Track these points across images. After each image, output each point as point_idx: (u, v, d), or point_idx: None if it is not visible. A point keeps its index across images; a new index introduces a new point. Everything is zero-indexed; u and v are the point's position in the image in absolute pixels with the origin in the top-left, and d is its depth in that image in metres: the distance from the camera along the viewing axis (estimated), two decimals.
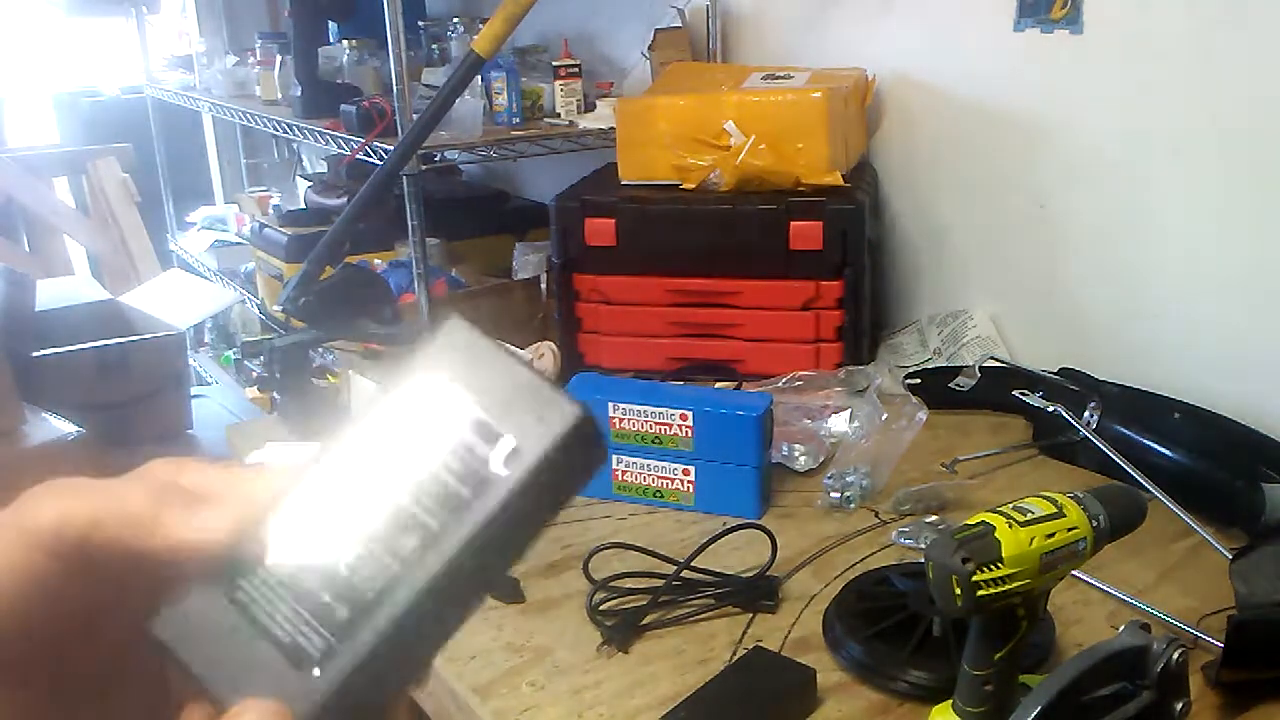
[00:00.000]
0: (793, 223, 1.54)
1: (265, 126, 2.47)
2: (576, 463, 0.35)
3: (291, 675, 0.33)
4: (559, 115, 2.09)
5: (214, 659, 0.34)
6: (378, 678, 0.33)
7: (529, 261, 2.26)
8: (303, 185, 2.90)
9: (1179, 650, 0.77)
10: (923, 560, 0.75)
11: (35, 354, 2.25)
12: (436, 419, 0.35)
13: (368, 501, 0.34)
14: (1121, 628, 0.79)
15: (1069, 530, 0.74)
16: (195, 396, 2.66)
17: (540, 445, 0.34)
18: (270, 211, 2.86)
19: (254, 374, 3.15)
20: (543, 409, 0.34)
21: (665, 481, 1.24)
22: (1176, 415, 1.31)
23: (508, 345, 0.36)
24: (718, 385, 1.53)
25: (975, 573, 0.71)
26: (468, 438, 0.34)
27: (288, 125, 2.31)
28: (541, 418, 0.34)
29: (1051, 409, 1.35)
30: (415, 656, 0.35)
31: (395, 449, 0.35)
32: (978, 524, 0.74)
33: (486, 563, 0.34)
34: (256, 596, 0.34)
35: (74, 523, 0.33)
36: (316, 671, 0.33)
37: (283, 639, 0.33)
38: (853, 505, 1.23)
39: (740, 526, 1.11)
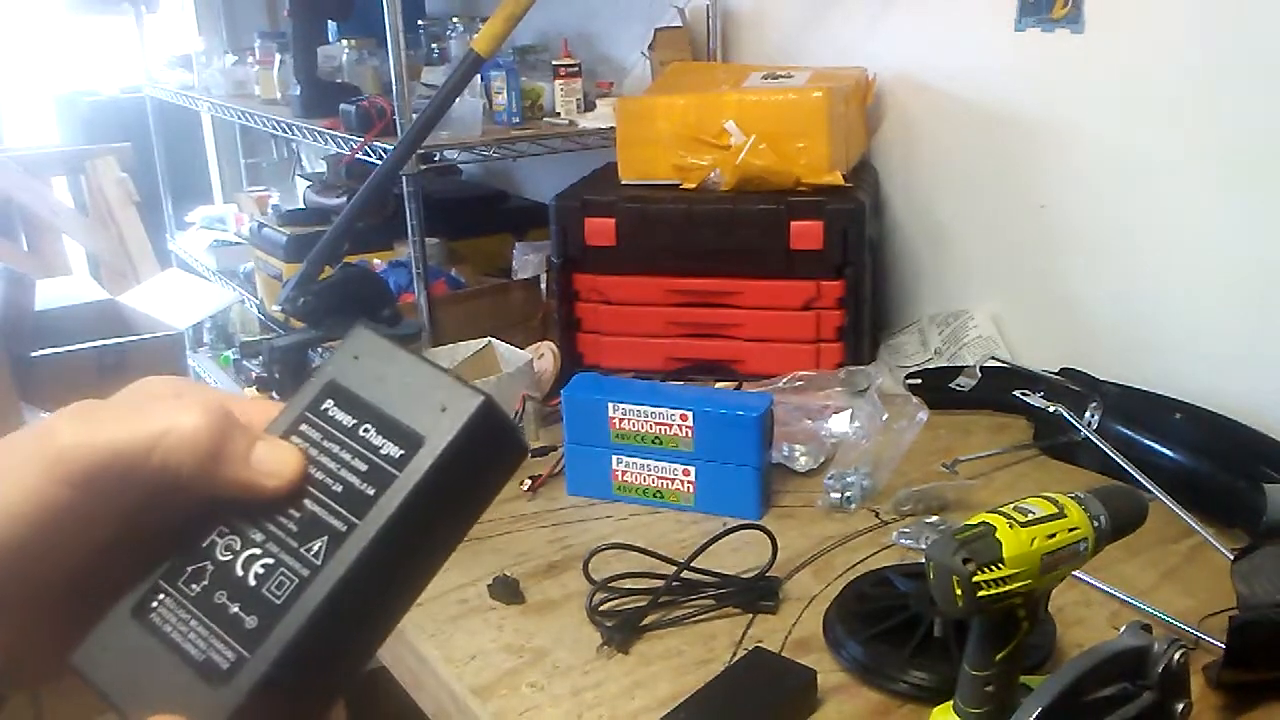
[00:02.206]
0: (793, 222, 1.54)
1: (264, 126, 2.47)
2: (487, 452, 0.35)
3: (202, 690, 0.33)
4: (559, 115, 2.08)
5: (129, 682, 0.34)
6: (292, 686, 0.33)
7: (529, 261, 2.25)
8: (302, 185, 2.90)
9: (1180, 651, 0.77)
10: (923, 561, 0.74)
11: (34, 354, 2.24)
12: (340, 422, 0.35)
13: (278, 511, 0.35)
14: (1122, 628, 0.79)
15: (1070, 531, 0.74)
16: None
17: (443, 436, 0.34)
18: (269, 211, 2.85)
19: (253, 374, 3.15)
20: (445, 401, 0.34)
21: (665, 482, 1.24)
22: (1178, 415, 1.30)
23: (413, 348, 0.36)
24: (718, 385, 1.53)
25: (976, 573, 0.71)
26: (371, 437, 0.35)
27: (287, 125, 2.30)
28: (445, 409, 0.34)
29: (1052, 409, 1.35)
30: (334, 663, 0.35)
31: (305, 456, 0.35)
32: (979, 524, 0.73)
33: (401, 560, 0.34)
34: (169, 616, 0.34)
35: (99, 450, 0.32)
36: (224, 684, 0.33)
37: (195, 655, 0.33)
38: (853, 506, 1.23)
39: (740, 527, 1.11)
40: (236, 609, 0.33)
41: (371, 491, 0.34)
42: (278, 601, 0.33)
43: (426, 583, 0.36)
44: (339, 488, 0.34)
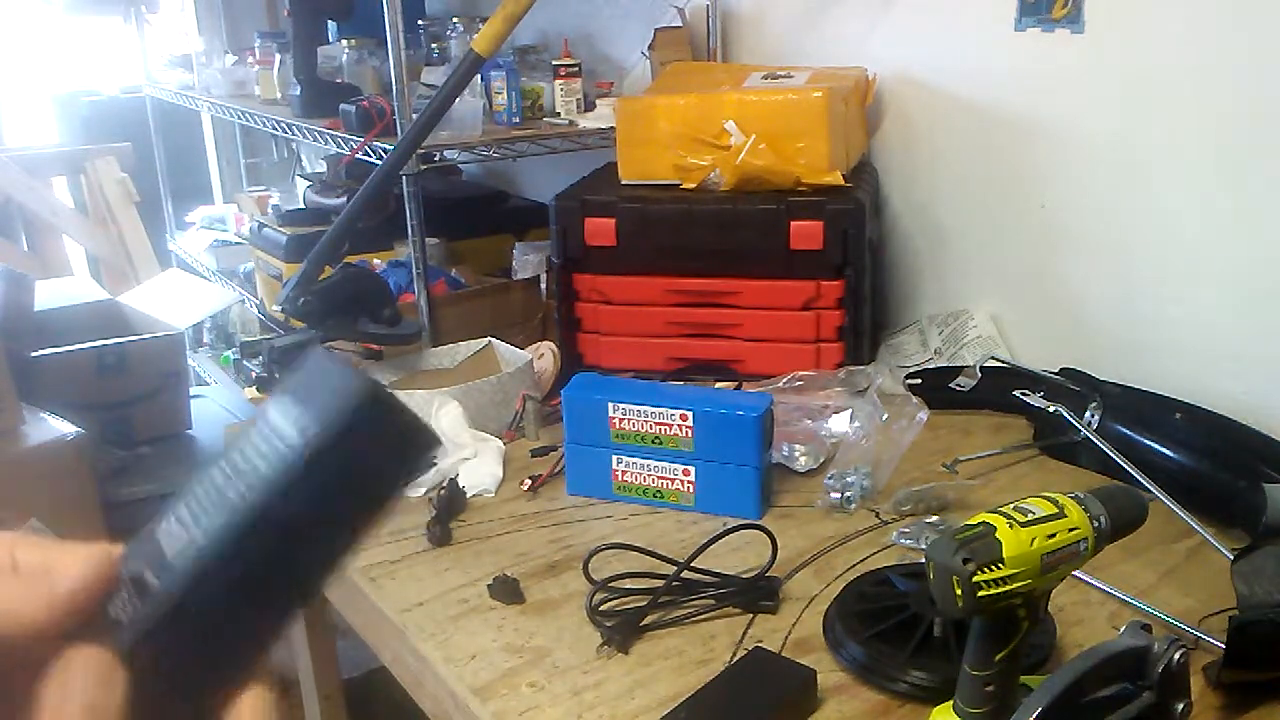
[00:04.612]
0: (793, 222, 1.54)
1: (264, 126, 2.47)
2: (378, 434, 0.38)
3: (108, 638, 0.37)
4: (559, 115, 2.08)
5: None
6: (179, 647, 0.37)
7: (529, 261, 2.25)
8: (302, 185, 2.90)
9: (1180, 651, 0.77)
10: (923, 561, 0.74)
11: (34, 354, 2.24)
12: (261, 417, 0.39)
13: (200, 492, 0.39)
14: (1122, 628, 0.79)
15: (1070, 530, 0.74)
16: (194, 396, 2.65)
17: (331, 416, 0.37)
18: (269, 211, 2.85)
19: (253, 374, 3.15)
20: (338, 386, 0.38)
21: (665, 482, 1.24)
22: (1177, 415, 1.30)
23: (345, 357, 0.39)
24: (718, 385, 1.53)
25: (976, 573, 0.71)
26: (276, 422, 0.38)
27: (287, 125, 2.30)
28: (336, 392, 0.38)
29: (1052, 409, 1.35)
30: (223, 632, 0.38)
31: (233, 450, 0.39)
32: (979, 524, 0.73)
33: (289, 528, 0.38)
34: None
35: None
36: (124, 631, 0.37)
37: (109, 613, 0.37)
38: (853, 506, 1.23)
39: (740, 527, 1.11)
40: (148, 573, 0.37)
41: (264, 467, 0.37)
42: (170, 558, 0.37)
43: (326, 570, 0.39)
44: (245, 466, 0.38)
